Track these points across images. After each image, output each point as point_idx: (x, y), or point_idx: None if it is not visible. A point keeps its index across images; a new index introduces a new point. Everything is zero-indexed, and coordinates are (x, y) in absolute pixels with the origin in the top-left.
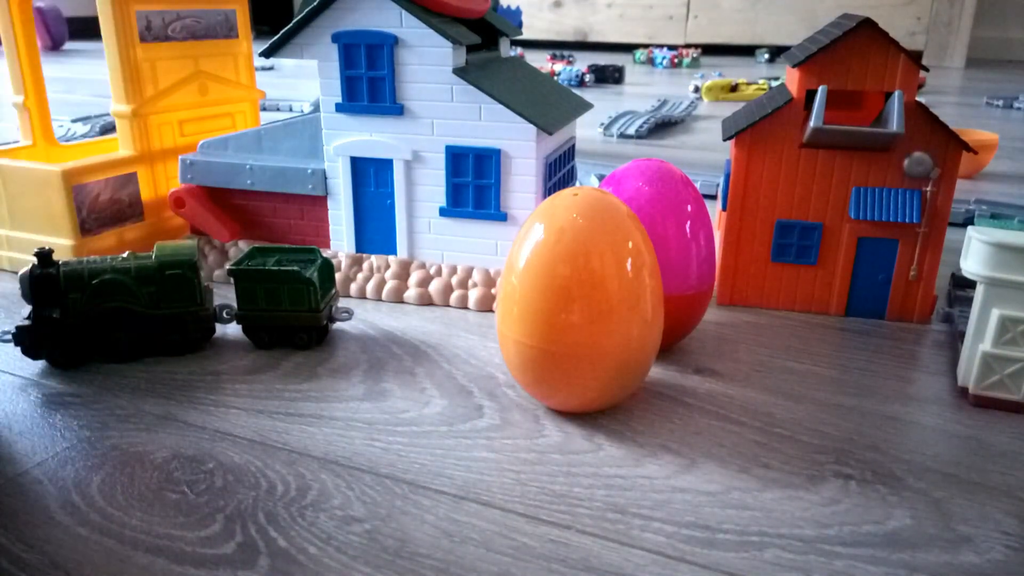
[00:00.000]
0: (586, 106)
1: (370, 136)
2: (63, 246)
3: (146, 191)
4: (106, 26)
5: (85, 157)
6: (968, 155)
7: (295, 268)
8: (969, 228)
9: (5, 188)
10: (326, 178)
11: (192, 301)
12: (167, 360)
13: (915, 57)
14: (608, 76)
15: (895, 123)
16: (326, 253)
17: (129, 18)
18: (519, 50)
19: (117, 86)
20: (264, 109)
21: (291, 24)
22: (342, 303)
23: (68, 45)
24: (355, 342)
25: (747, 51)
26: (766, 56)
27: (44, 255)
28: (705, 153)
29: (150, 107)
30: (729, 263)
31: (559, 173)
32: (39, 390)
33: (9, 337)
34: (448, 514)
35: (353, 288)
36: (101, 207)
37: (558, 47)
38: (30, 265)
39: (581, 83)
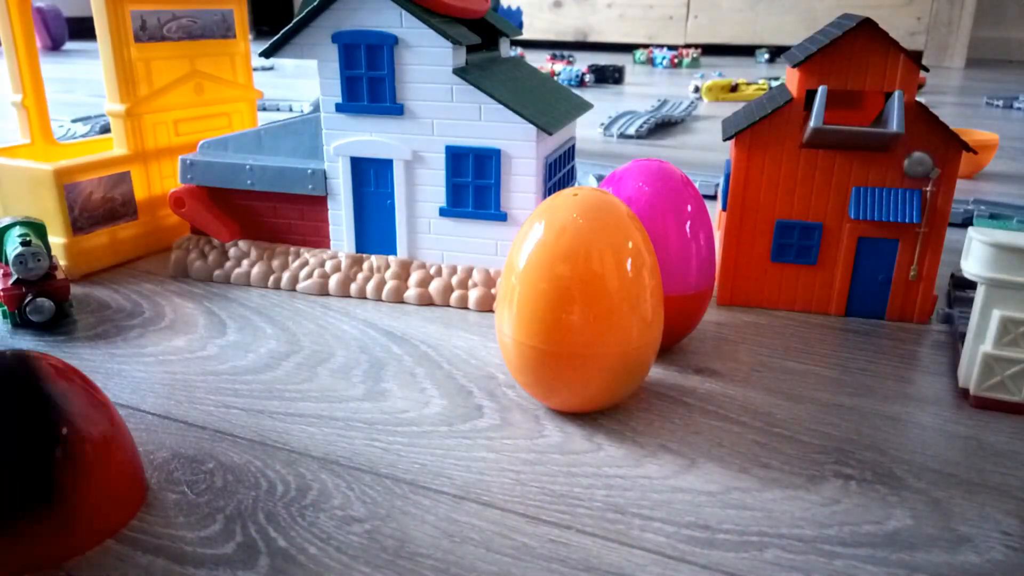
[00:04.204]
0: (586, 106)
1: (370, 136)
2: (55, 244)
3: (140, 190)
4: (100, 26)
5: (82, 156)
6: (968, 155)
7: None
8: (970, 229)
9: None
10: (326, 178)
11: None
12: (167, 360)
13: (915, 57)
14: (608, 76)
15: (895, 123)
16: (327, 253)
17: (123, 18)
18: (519, 50)
19: (111, 85)
20: (264, 109)
21: (291, 24)
22: (342, 303)
23: (68, 45)
24: (355, 342)
25: (747, 51)
26: (766, 56)
27: None
28: (705, 153)
29: (144, 106)
30: (729, 263)
31: (559, 173)
32: None
33: None
34: (448, 514)
35: (353, 288)
36: (94, 206)
37: (558, 47)
38: None
39: (581, 83)
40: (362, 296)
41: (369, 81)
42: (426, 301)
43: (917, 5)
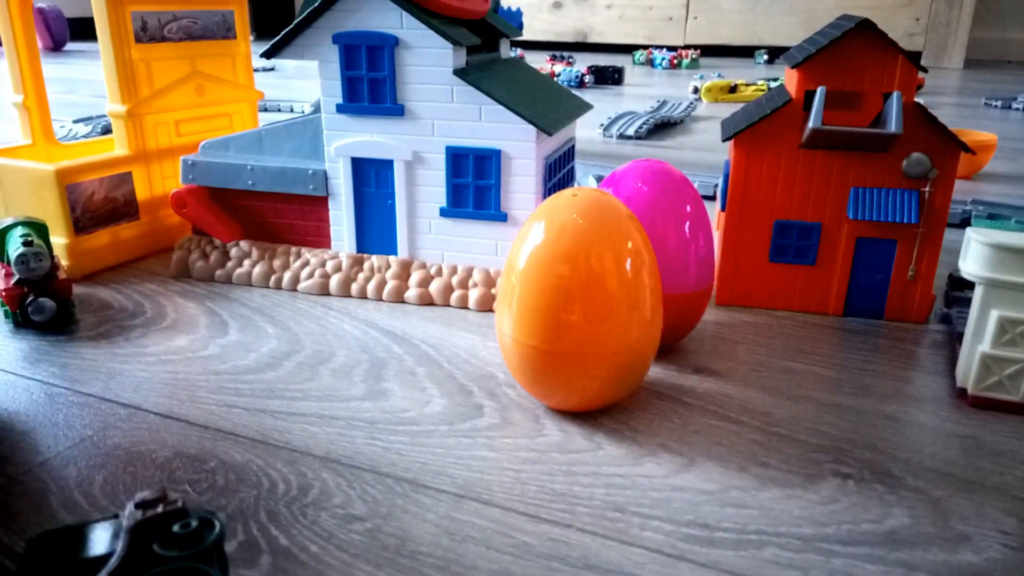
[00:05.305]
0: (586, 107)
1: (371, 137)
2: (57, 244)
3: (141, 190)
4: (101, 27)
5: (84, 156)
6: (966, 155)
7: None
8: (968, 229)
9: (1, 187)
10: (327, 178)
11: None
12: (169, 360)
13: (913, 58)
14: (608, 77)
15: (893, 124)
16: (327, 253)
17: (124, 19)
18: (519, 51)
19: (112, 86)
20: (265, 110)
21: (292, 25)
22: (343, 303)
23: (70, 46)
24: (356, 342)
25: (746, 52)
26: (765, 57)
27: None
28: (704, 154)
29: (145, 107)
30: (728, 263)
31: (559, 174)
32: (42, 390)
33: None
34: (449, 513)
35: (354, 288)
36: (95, 206)
37: (558, 48)
38: None
39: (581, 84)
40: (363, 296)
41: (370, 82)
42: (426, 301)
43: (916, 6)
